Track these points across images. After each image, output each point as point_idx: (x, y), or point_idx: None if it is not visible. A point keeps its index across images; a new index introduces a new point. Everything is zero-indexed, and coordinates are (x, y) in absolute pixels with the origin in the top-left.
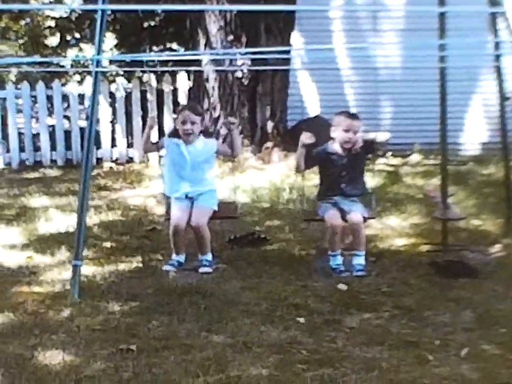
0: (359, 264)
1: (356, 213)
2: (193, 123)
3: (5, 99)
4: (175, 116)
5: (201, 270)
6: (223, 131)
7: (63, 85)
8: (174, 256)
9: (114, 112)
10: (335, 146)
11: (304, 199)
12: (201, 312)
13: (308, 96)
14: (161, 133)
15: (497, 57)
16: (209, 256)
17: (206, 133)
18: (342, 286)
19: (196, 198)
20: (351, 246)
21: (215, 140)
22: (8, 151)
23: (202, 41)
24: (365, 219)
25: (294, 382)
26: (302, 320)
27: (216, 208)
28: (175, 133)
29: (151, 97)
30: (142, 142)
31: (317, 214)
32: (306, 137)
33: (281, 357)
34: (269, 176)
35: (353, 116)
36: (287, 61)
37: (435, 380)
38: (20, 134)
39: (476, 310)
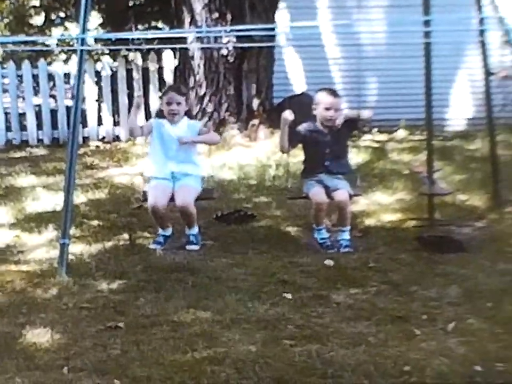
0: (345, 240)
1: (342, 190)
2: (178, 103)
3: None
4: (160, 94)
5: (188, 247)
6: (209, 108)
7: (49, 64)
8: (159, 231)
9: (100, 91)
10: (317, 124)
11: (289, 177)
12: (189, 289)
13: (294, 73)
14: (147, 111)
15: (482, 32)
16: (195, 230)
17: (190, 113)
18: (329, 262)
19: (180, 178)
20: (337, 222)
21: (198, 121)
22: None
23: (187, 19)
24: (351, 196)
25: (282, 357)
26: (289, 296)
27: (200, 189)
28: (160, 114)
29: (137, 76)
30: (128, 123)
31: (301, 191)
32: (287, 115)
33: (268, 333)
34: (255, 153)
35: (334, 94)
36: (272, 38)
37: (422, 354)
38: (6, 113)
39: (462, 285)
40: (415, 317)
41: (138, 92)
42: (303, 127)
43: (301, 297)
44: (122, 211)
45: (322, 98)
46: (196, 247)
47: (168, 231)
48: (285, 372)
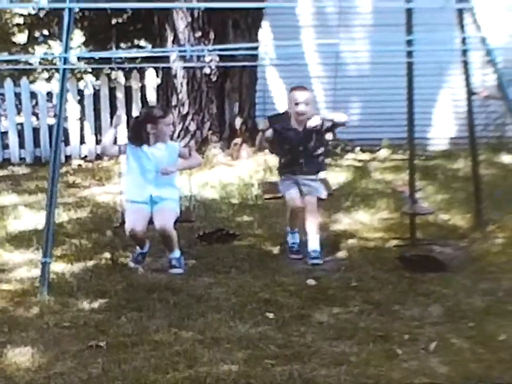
0: (314, 251)
1: (311, 195)
2: (167, 125)
3: None
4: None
5: (172, 271)
6: (192, 127)
7: (31, 82)
8: (137, 249)
9: (82, 109)
10: (292, 122)
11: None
12: (171, 308)
13: (276, 92)
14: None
15: (464, 52)
16: (177, 253)
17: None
18: (311, 281)
19: (158, 202)
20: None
21: (177, 142)
22: None
23: (170, 37)
24: (322, 199)
25: (263, 377)
26: (271, 315)
27: (178, 212)
28: (136, 137)
29: (120, 94)
30: (104, 141)
31: (278, 190)
32: (263, 124)
33: (250, 352)
34: (238, 172)
35: (302, 88)
36: (255, 57)
37: (404, 374)
38: None
39: (444, 304)
40: (397, 337)
41: (119, 111)
42: (278, 126)
43: (283, 316)
44: (104, 230)
45: (292, 95)
46: (179, 271)
47: (146, 248)
48: None
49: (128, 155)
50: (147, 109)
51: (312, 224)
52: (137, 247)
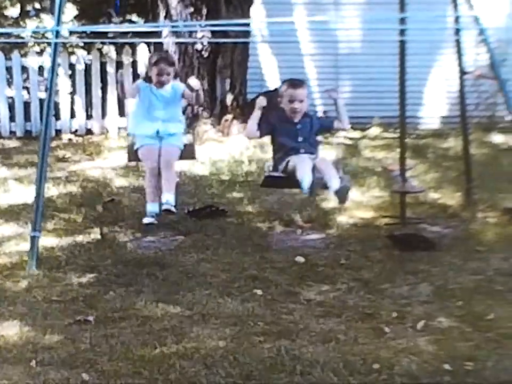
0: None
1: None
2: (168, 74)
3: None
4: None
5: (165, 207)
6: (183, 103)
7: (23, 56)
8: (149, 206)
9: (73, 84)
10: (287, 115)
11: (262, 172)
12: (159, 283)
13: (268, 69)
14: (120, 105)
15: (457, 31)
16: (172, 198)
17: (175, 76)
18: (300, 258)
19: (165, 138)
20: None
21: (182, 83)
22: None
23: (162, 13)
24: None
25: (251, 353)
26: (259, 292)
27: (182, 147)
28: (148, 79)
29: (111, 69)
30: (121, 90)
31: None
32: (262, 100)
33: (238, 329)
34: (228, 149)
35: (296, 85)
36: (247, 34)
37: (391, 352)
38: None
39: (433, 283)
40: (385, 315)
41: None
42: (273, 117)
43: (271, 293)
44: (94, 204)
45: (285, 91)
46: (172, 208)
47: (157, 207)
48: (253, 368)
49: (140, 93)
50: (153, 54)
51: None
52: (149, 206)
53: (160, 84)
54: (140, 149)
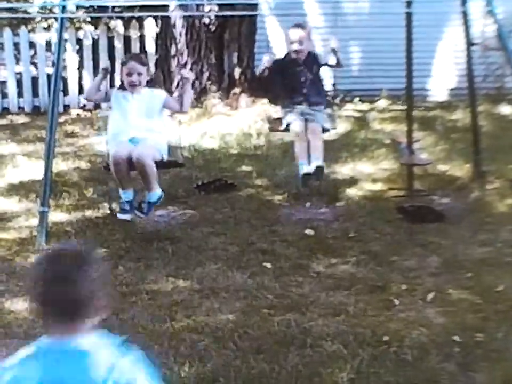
0: (317, 159)
1: (316, 123)
2: (139, 74)
3: None
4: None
5: (135, 211)
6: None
7: (30, 31)
8: (121, 194)
9: (81, 59)
10: (291, 56)
11: (270, 146)
12: (169, 257)
13: (276, 42)
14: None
15: (464, 2)
16: (154, 197)
17: (152, 82)
18: (309, 231)
19: (140, 141)
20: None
21: (164, 91)
22: None
23: None
24: (324, 130)
25: (261, 327)
26: (269, 265)
27: (162, 156)
28: (121, 84)
29: (118, 44)
30: (89, 88)
31: (281, 123)
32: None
33: (248, 302)
34: (237, 122)
35: (297, 26)
36: (254, 7)
37: (401, 324)
38: None
39: (442, 255)
40: (395, 287)
41: (105, 64)
42: (278, 59)
43: (281, 266)
44: (103, 179)
45: (288, 33)
46: (141, 215)
47: (130, 194)
48: (263, 341)
49: (112, 100)
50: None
51: (315, 148)
52: (121, 193)
53: (132, 86)
54: (110, 148)
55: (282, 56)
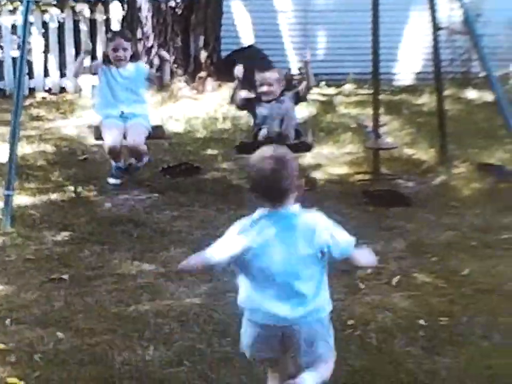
0: None
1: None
2: (124, 49)
3: None
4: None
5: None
6: (156, 61)
7: None
8: (112, 164)
9: (47, 42)
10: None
11: (236, 130)
12: (134, 241)
13: (242, 26)
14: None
15: None
16: (143, 163)
17: (135, 57)
18: None
19: (130, 118)
20: None
21: (146, 64)
22: None
23: None
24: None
25: (226, 310)
26: None
27: (150, 128)
28: (106, 59)
29: (84, 27)
30: (74, 67)
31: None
32: (238, 71)
33: (213, 285)
34: (203, 106)
35: (265, 69)
36: None
37: (366, 308)
38: None
39: (408, 239)
40: (360, 271)
41: (86, 46)
42: (255, 98)
43: None
44: (68, 163)
45: (256, 75)
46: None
47: (121, 163)
48: (228, 324)
49: (99, 75)
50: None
51: None
52: (113, 162)
53: (118, 60)
54: (103, 127)
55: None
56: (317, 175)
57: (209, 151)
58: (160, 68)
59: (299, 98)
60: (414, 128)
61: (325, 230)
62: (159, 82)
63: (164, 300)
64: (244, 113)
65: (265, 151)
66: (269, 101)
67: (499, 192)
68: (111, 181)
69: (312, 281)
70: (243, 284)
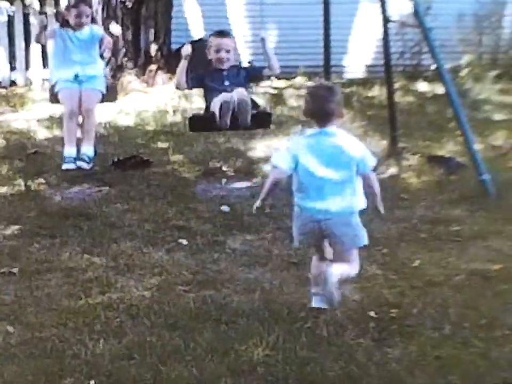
0: None
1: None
2: (87, 16)
3: None
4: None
5: (79, 163)
6: (106, 55)
7: None
8: (66, 150)
9: None
10: (215, 66)
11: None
12: (84, 234)
13: (192, 19)
14: (44, 54)
15: None
16: (91, 151)
17: (93, 20)
18: (225, 208)
19: (85, 80)
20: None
21: (100, 28)
22: None
23: None
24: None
25: (176, 303)
26: (184, 242)
27: (104, 91)
28: (65, 23)
29: (34, 20)
30: (35, 35)
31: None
32: (186, 50)
33: (163, 279)
34: (153, 99)
35: (222, 35)
36: None
37: None
38: None
39: None
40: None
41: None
42: (201, 70)
43: (197, 243)
44: (18, 156)
45: (212, 41)
46: (86, 165)
47: (74, 150)
48: (179, 317)
49: (56, 38)
50: None
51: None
52: (66, 147)
53: (79, 26)
54: (60, 91)
55: (209, 69)
56: (268, 167)
57: (160, 144)
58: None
59: (256, 72)
60: (364, 121)
61: (357, 147)
62: (110, 48)
63: (114, 293)
64: (194, 105)
65: (319, 81)
66: (223, 70)
67: (449, 184)
68: (65, 166)
69: (347, 184)
70: (295, 184)
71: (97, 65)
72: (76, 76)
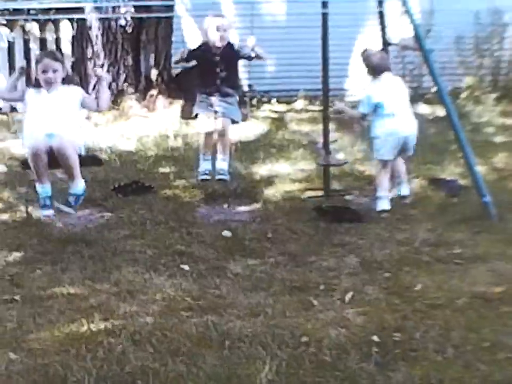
0: (221, 169)
1: (225, 118)
2: (54, 71)
3: None
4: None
5: (60, 206)
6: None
7: None
8: (39, 189)
9: None
10: (210, 45)
11: (187, 147)
12: (85, 261)
13: (192, 44)
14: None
15: (380, 2)
16: (80, 190)
17: (68, 80)
18: (227, 233)
19: (57, 136)
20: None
21: (80, 89)
22: None
23: None
24: (233, 122)
25: (179, 329)
26: (186, 267)
27: (80, 151)
28: (36, 83)
29: (34, 46)
30: (4, 87)
31: (191, 112)
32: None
33: (165, 305)
34: (154, 124)
35: (220, 15)
36: (170, 8)
37: (320, 324)
38: None
39: (360, 255)
40: (313, 288)
41: (21, 63)
42: (196, 48)
43: (198, 268)
44: (19, 183)
45: (209, 22)
46: (70, 210)
47: (48, 188)
48: (181, 343)
49: (27, 98)
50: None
51: (221, 146)
52: (40, 189)
53: (48, 83)
54: (30, 150)
55: (199, 45)
56: (269, 191)
57: (161, 169)
58: (97, 87)
59: (246, 54)
60: (365, 145)
61: None
62: (97, 107)
63: (117, 320)
64: (195, 131)
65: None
66: (218, 47)
67: (451, 207)
68: (44, 213)
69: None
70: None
71: (76, 130)
72: (49, 134)
